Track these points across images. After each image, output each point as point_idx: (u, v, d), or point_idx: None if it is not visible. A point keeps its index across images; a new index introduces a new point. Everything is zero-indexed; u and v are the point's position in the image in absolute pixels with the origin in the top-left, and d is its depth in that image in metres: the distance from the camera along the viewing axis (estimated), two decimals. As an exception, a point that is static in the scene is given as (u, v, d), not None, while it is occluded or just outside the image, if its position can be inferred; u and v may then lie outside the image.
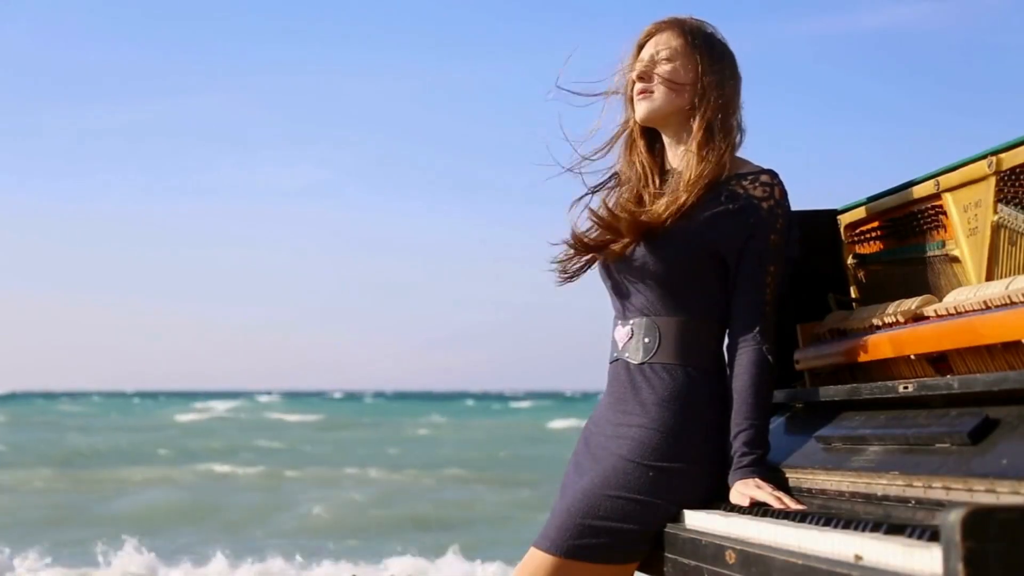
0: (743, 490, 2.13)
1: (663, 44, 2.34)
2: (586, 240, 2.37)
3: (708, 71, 2.31)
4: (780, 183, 2.27)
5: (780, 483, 2.14)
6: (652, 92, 2.33)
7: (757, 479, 2.13)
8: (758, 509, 2.04)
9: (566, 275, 2.42)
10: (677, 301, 2.28)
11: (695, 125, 2.30)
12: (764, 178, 2.27)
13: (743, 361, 2.22)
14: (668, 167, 2.39)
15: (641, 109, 2.35)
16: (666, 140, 2.39)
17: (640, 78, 2.35)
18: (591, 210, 2.36)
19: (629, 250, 2.30)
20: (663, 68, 2.33)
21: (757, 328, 2.23)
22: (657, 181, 2.37)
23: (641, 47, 2.39)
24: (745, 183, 2.26)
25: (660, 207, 2.27)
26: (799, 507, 2.03)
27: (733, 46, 2.38)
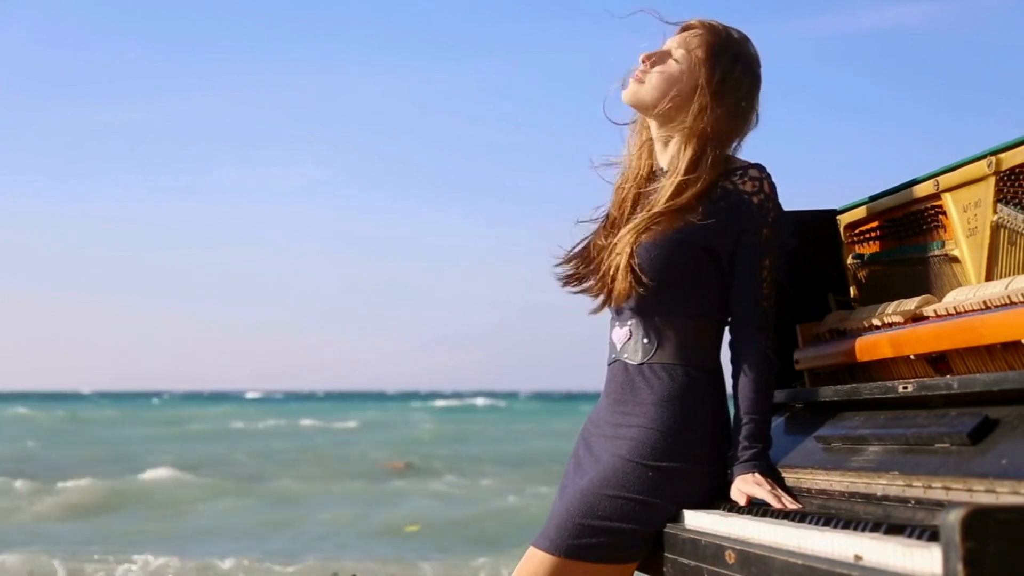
0: (742, 487, 2.14)
1: (685, 44, 2.30)
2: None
3: (714, 91, 2.26)
4: (768, 176, 2.26)
5: (780, 479, 2.14)
6: (643, 81, 2.32)
7: (757, 474, 2.14)
8: (758, 509, 2.04)
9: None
10: (674, 301, 2.27)
11: (687, 139, 2.26)
12: (752, 172, 2.26)
13: (743, 357, 2.22)
14: (656, 165, 2.37)
15: (627, 91, 2.33)
16: (654, 134, 2.36)
17: (644, 60, 2.33)
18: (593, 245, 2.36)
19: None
20: (668, 65, 2.30)
21: (756, 323, 2.23)
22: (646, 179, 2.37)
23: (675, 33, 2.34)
24: (734, 179, 2.25)
25: (658, 213, 2.25)
26: (795, 506, 2.04)
27: None
